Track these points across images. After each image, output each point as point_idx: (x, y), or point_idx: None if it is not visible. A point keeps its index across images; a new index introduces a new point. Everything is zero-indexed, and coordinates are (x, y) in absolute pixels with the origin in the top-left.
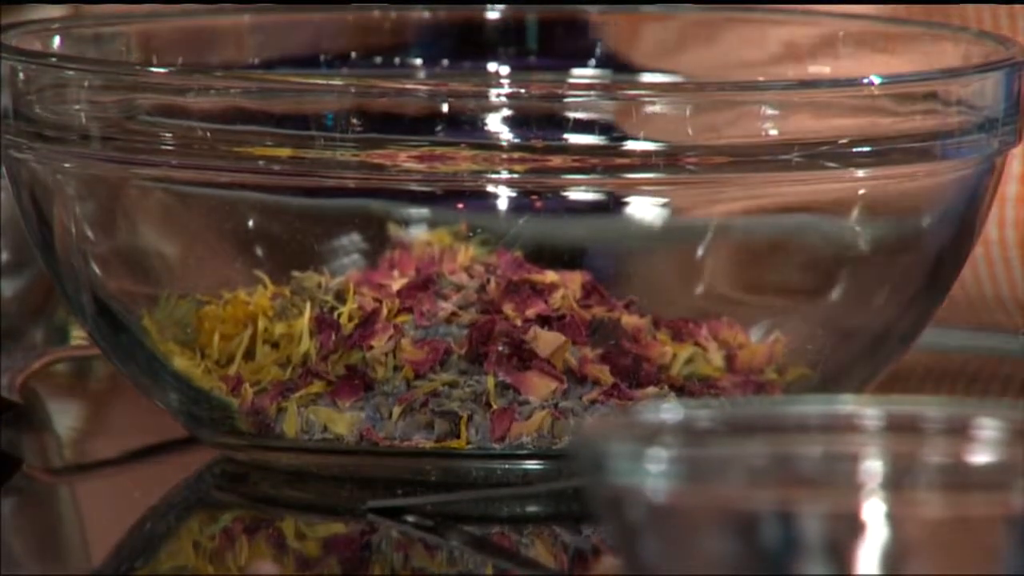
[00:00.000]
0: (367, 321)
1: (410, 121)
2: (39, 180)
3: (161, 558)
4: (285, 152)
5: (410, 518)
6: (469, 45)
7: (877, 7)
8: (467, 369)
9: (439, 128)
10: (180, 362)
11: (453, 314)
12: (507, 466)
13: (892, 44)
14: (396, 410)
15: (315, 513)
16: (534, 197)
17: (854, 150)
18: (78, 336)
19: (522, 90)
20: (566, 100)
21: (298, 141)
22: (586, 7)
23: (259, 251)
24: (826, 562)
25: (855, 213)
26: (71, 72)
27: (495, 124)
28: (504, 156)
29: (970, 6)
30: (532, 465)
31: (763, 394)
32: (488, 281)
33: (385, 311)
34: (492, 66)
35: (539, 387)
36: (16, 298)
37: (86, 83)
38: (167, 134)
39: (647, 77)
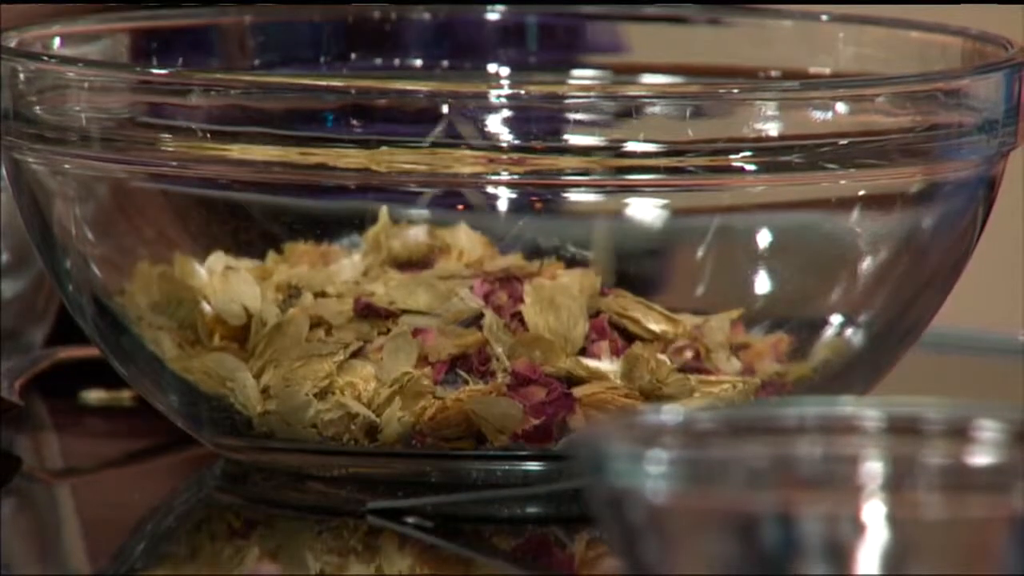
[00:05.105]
0: None
1: (410, 122)
2: (39, 181)
3: (161, 559)
4: (286, 154)
5: (410, 519)
6: (469, 46)
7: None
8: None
9: (439, 129)
10: (180, 363)
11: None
12: (507, 467)
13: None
14: None
15: (315, 514)
16: (534, 198)
17: (854, 151)
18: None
19: (522, 91)
20: (566, 102)
21: (298, 142)
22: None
23: (260, 252)
24: (826, 564)
25: (855, 213)
26: (71, 73)
27: (495, 125)
28: (504, 157)
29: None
30: (532, 466)
31: (764, 395)
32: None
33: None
34: (492, 67)
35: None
36: (16, 299)
37: (86, 84)
38: (167, 135)
39: (647, 78)
